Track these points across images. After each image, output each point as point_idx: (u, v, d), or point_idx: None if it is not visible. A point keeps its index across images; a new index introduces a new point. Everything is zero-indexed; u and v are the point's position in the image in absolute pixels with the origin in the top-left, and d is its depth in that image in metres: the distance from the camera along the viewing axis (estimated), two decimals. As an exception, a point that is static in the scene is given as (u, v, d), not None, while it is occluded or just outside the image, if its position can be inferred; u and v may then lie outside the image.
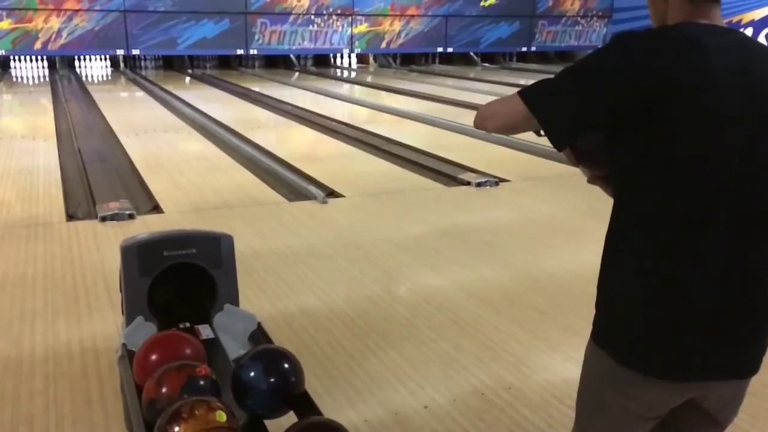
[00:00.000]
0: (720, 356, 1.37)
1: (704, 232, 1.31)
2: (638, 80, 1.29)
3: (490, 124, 1.47)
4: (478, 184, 5.89)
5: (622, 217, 1.40)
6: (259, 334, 2.41)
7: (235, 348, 2.33)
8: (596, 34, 21.14)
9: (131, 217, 4.79)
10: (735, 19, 17.93)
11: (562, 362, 2.91)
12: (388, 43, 18.56)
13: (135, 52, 15.94)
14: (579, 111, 1.35)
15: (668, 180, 1.31)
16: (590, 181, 1.59)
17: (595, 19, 20.89)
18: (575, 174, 6.66)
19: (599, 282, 1.46)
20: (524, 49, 20.28)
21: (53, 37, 15.20)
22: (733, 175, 1.30)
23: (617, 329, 1.42)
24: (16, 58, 15.37)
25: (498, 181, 6.01)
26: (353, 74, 17.40)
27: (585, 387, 1.55)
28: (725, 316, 1.34)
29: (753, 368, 1.43)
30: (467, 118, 9.88)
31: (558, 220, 4.95)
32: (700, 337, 1.35)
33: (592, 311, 1.47)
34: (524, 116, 1.37)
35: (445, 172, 6.35)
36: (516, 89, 1.41)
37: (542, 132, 1.41)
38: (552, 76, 1.39)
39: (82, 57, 15.95)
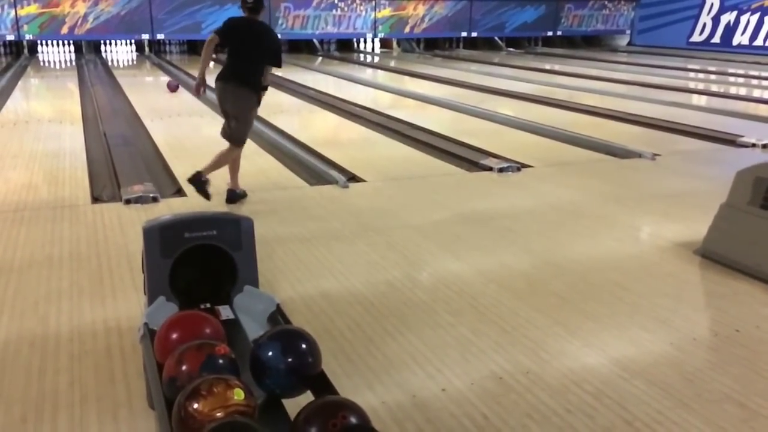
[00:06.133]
0: (227, 81, 4.65)
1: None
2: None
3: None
4: (500, 170, 5.86)
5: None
6: (278, 316, 2.43)
7: (254, 328, 2.36)
8: (623, 18, 20.81)
9: (155, 200, 4.85)
10: (755, 5, 17.58)
11: (581, 348, 2.90)
12: (412, 28, 18.47)
13: (160, 36, 16.07)
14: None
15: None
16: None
17: (622, 2, 20.55)
18: (598, 160, 6.60)
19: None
20: (550, 33, 20.06)
21: (79, 21, 15.35)
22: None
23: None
24: (44, 42, 15.57)
25: (520, 166, 5.97)
26: (376, 59, 17.36)
27: None
28: (232, 75, 4.67)
29: (239, 84, 4.65)
30: (491, 103, 9.86)
31: (580, 207, 4.92)
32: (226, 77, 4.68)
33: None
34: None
35: (468, 158, 6.33)
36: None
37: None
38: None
39: (107, 42, 16.12)
